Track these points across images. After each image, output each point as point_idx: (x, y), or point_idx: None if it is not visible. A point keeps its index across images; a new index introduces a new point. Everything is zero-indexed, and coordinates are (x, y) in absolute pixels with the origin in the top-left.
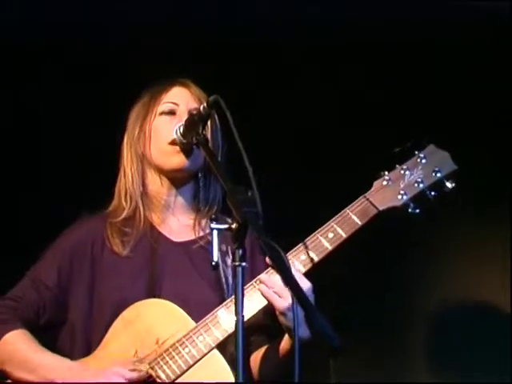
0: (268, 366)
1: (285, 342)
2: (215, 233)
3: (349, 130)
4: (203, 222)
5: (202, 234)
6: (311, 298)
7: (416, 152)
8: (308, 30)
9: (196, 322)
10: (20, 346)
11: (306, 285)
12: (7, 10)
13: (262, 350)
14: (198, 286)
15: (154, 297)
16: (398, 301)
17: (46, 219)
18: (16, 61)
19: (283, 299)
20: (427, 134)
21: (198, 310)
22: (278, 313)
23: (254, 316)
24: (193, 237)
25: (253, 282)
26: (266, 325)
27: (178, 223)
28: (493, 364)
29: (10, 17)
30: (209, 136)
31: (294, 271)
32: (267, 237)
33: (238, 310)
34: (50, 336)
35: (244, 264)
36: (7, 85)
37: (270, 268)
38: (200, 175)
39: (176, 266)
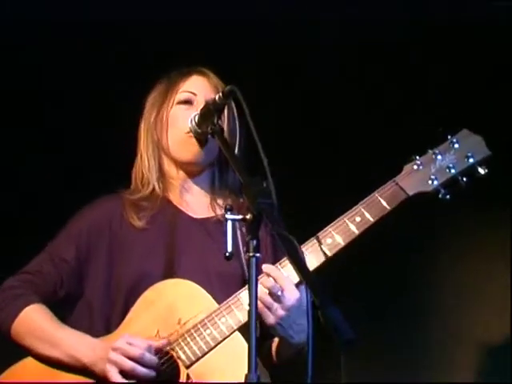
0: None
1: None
2: (229, 223)
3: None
4: (220, 200)
5: (219, 212)
6: (302, 307)
7: (449, 136)
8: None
9: (218, 294)
10: (40, 320)
11: (295, 295)
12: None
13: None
14: (217, 259)
15: (172, 271)
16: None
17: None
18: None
19: (271, 313)
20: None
21: (219, 283)
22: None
23: None
24: (211, 214)
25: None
26: None
27: (196, 201)
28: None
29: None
30: (225, 126)
31: (285, 280)
32: (282, 228)
33: (252, 302)
34: (66, 310)
35: (258, 255)
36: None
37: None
38: (216, 166)
39: (195, 240)
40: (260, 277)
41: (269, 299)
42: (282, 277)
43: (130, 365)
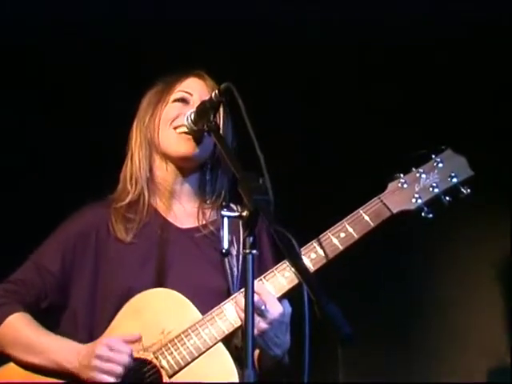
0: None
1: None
2: (226, 220)
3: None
4: (207, 211)
5: (204, 222)
6: (284, 322)
7: (433, 156)
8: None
9: (202, 307)
10: (23, 328)
11: (278, 310)
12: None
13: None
14: (204, 272)
15: (162, 282)
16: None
17: (47, 210)
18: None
19: (263, 319)
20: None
21: (205, 295)
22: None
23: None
24: (196, 224)
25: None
26: None
27: (184, 210)
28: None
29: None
30: (220, 124)
31: (268, 295)
32: (278, 224)
33: (248, 299)
34: (52, 319)
35: (255, 251)
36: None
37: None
38: (207, 167)
39: (183, 252)
40: (241, 291)
41: (271, 299)
42: (265, 292)
43: (114, 370)
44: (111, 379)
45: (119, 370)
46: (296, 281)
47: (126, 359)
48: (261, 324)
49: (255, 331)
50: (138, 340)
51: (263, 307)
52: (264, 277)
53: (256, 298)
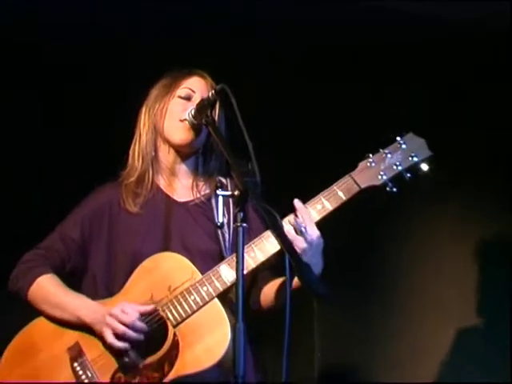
0: (278, 297)
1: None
2: (220, 198)
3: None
4: (200, 185)
5: (198, 195)
6: (320, 244)
7: (397, 138)
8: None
9: (199, 267)
10: (51, 287)
11: (316, 233)
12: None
13: (271, 284)
14: (200, 238)
15: (166, 247)
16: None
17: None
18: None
19: (304, 239)
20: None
21: (201, 258)
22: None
23: (267, 259)
24: (191, 197)
25: (265, 233)
26: (275, 263)
27: (181, 185)
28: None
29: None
30: (216, 118)
31: (308, 219)
32: (264, 203)
33: (239, 266)
34: (76, 282)
35: (245, 225)
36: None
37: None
38: (200, 155)
39: (181, 222)
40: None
41: (293, 233)
42: (307, 216)
43: (122, 329)
44: (116, 340)
45: (124, 330)
46: (278, 247)
47: (132, 321)
48: (301, 244)
49: (297, 250)
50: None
51: (303, 229)
52: (308, 203)
53: (298, 220)
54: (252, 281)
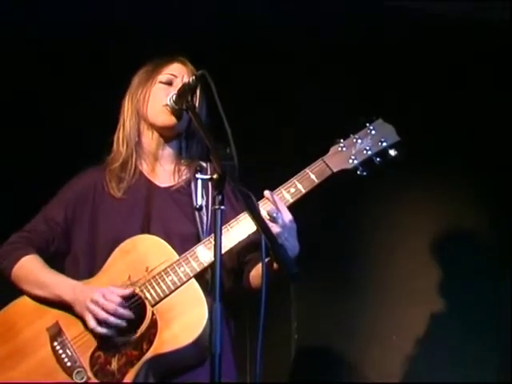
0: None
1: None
2: (199, 182)
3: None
4: (182, 170)
5: (179, 180)
6: (294, 228)
7: (367, 124)
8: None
9: (177, 250)
10: (33, 267)
11: (288, 217)
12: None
13: (259, 266)
14: (179, 221)
15: (146, 230)
16: None
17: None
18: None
19: (276, 224)
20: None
21: (179, 241)
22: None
23: (244, 239)
24: (173, 182)
25: (241, 214)
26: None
27: (163, 170)
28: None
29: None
30: (196, 103)
31: (280, 204)
32: (242, 185)
33: (216, 248)
34: (59, 264)
35: (223, 207)
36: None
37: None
38: (183, 137)
39: (162, 206)
40: (262, 201)
41: (267, 218)
42: (279, 201)
43: (104, 316)
44: (98, 326)
45: (105, 315)
46: (254, 228)
47: (114, 309)
48: (274, 228)
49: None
50: (128, 284)
51: (275, 214)
52: (277, 190)
53: (271, 206)
54: (240, 262)
